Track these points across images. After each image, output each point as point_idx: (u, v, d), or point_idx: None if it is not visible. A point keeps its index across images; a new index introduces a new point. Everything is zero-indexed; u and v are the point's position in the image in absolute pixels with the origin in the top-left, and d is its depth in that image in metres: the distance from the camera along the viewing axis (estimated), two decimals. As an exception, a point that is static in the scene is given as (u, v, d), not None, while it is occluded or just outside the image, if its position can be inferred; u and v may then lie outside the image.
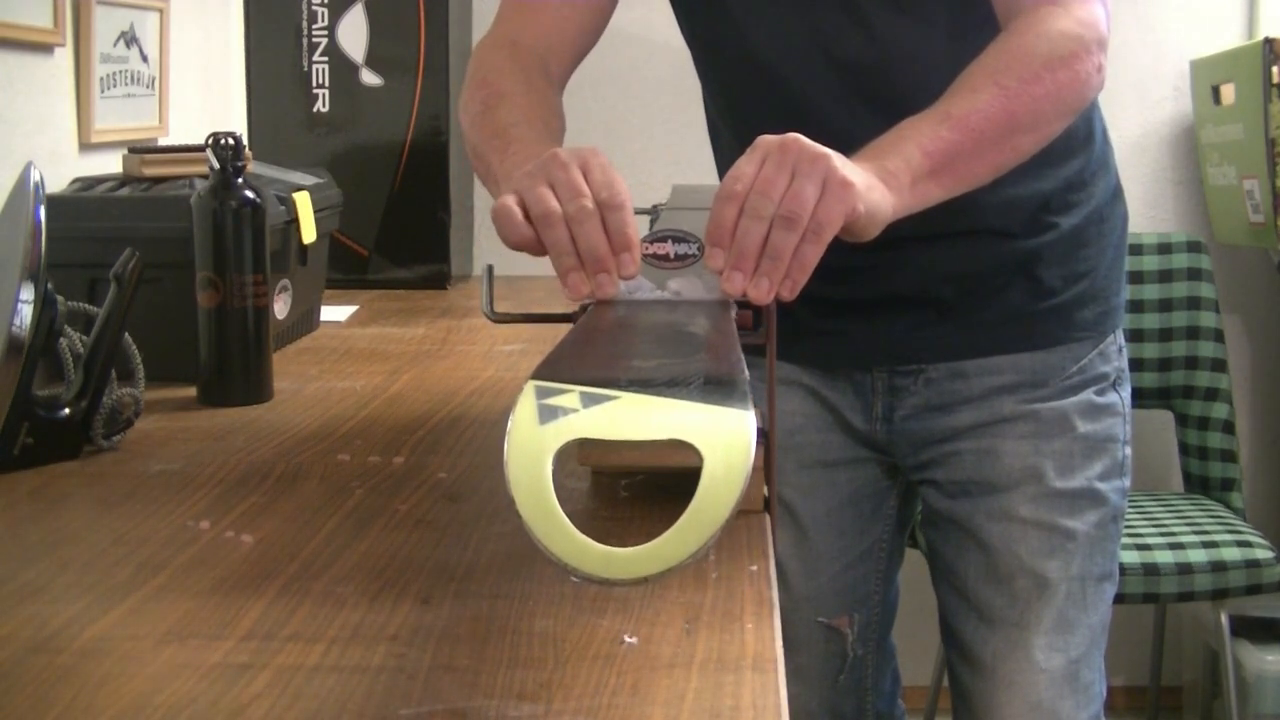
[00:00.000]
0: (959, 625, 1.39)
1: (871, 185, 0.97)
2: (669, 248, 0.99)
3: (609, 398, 0.73)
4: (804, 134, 0.98)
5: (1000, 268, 1.31)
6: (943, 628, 1.42)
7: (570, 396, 0.73)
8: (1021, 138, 1.10)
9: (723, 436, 0.68)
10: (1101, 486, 1.34)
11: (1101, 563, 1.35)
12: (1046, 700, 1.34)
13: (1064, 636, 1.34)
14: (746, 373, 0.77)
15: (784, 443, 1.38)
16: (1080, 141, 1.32)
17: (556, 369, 0.78)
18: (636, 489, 1.03)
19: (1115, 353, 1.36)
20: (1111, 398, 1.35)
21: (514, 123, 1.13)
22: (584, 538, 0.65)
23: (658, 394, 0.74)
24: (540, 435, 0.69)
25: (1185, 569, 2.21)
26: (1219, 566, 2.21)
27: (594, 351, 0.88)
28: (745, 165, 0.95)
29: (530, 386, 0.74)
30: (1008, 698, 1.35)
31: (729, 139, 1.38)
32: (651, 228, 1.28)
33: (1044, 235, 1.31)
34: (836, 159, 0.95)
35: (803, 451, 1.41)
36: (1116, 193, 1.38)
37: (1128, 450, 1.37)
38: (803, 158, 0.94)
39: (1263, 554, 2.22)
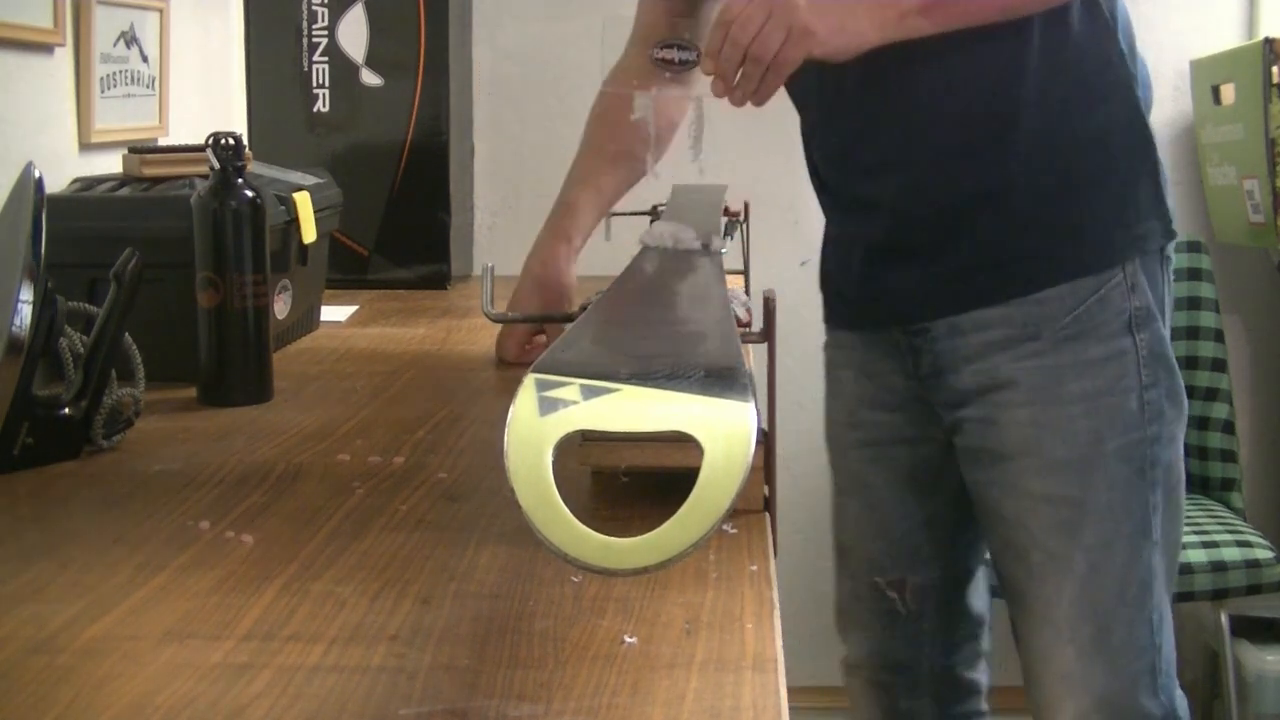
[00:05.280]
0: (1004, 596, 1.43)
1: (841, 29, 1.19)
2: (674, 54, 1.24)
3: (609, 390, 0.74)
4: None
5: (968, 197, 1.31)
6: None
7: (570, 389, 0.73)
8: None
9: (723, 428, 0.69)
10: (1111, 446, 1.30)
11: (1129, 522, 1.31)
12: (1077, 671, 1.34)
13: (1089, 606, 1.32)
14: (746, 365, 0.78)
15: (846, 420, 1.50)
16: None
17: (557, 362, 0.78)
18: (637, 478, 1.03)
19: (1123, 293, 1.29)
20: (1119, 344, 1.30)
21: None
22: (583, 527, 0.65)
23: (658, 386, 0.74)
24: (540, 426, 0.70)
25: (1185, 569, 2.20)
26: (1219, 566, 2.21)
27: (594, 345, 0.88)
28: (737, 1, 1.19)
29: (530, 379, 0.74)
30: (1042, 670, 1.38)
31: None
32: (651, 225, 1.34)
33: (1009, 162, 1.30)
34: (805, 7, 1.17)
35: (858, 431, 1.49)
36: (1128, 121, 1.32)
37: (1150, 394, 1.30)
38: (778, 3, 1.17)
39: (1263, 554, 2.22)
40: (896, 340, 1.41)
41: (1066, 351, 1.30)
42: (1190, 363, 2.53)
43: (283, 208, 1.60)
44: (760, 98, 1.20)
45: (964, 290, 1.33)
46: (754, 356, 1.32)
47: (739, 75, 1.19)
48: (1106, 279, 1.30)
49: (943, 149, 1.32)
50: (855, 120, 1.36)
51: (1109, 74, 1.31)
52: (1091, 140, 1.30)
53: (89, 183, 1.57)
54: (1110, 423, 1.30)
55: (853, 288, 1.43)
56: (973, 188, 1.31)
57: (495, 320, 1.48)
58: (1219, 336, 2.52)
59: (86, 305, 1.20)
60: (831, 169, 1.43)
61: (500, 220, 2.77)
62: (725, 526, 0.95)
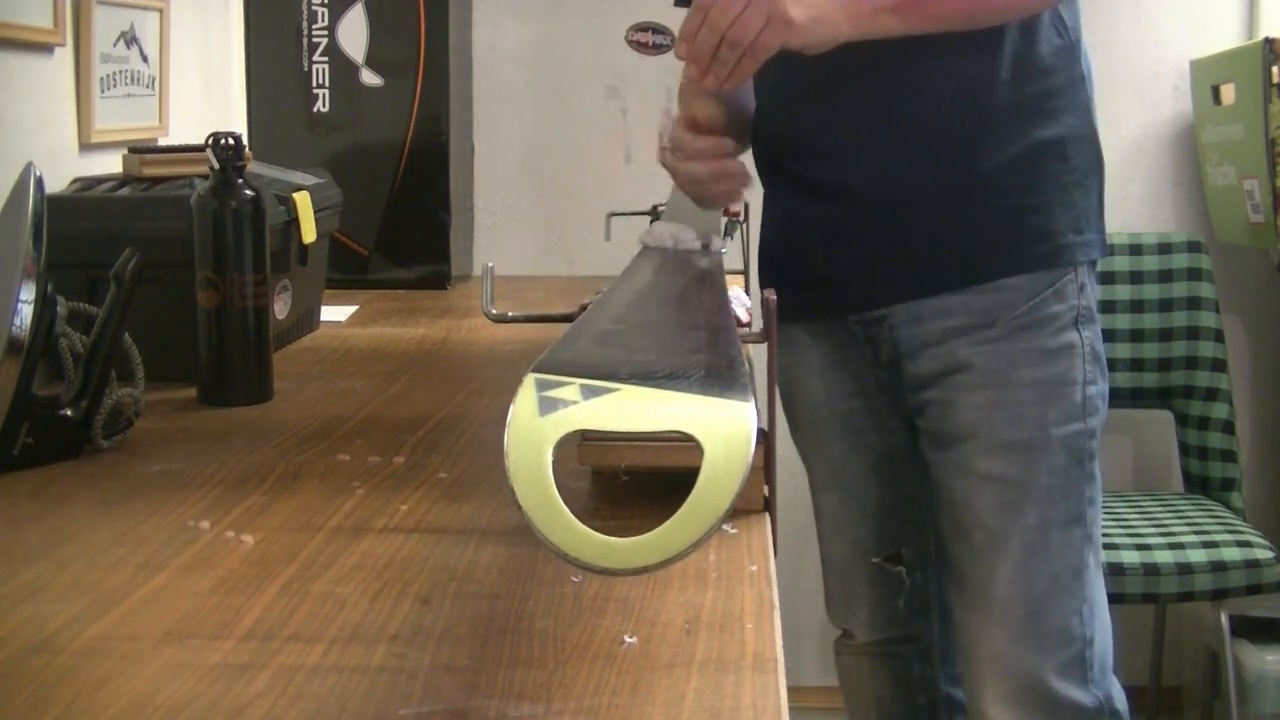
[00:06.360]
0: (942, 578, 1.46)
1: (819, 19, 1.20)
2: (649, 36, 1.30)
3: (609, 389, 0.74)
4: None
5: (936, 188, 1.33)
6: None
7: (570, 389, 0.73)
8: None
9: (723, 428, 0.69)
10: (1056, 433, 1.35)
11: (1065, 508, 1.36)
12: (1008, 652, 1.37)
13: (1023, 587, 1.36)
14: (746, 365, 0.78)
15: (812, 416, 1.50)
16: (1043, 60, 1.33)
17: (557, 362, 0.78)
18: (637, 478, 1.03)
19: (1074, 291, 1.36)
20: (1068, 338, 1.36)
21: None
22: (583, 527, 0.65)
23: (658, 386, 0.74)
24: (540, 426, 0.70)
25: (1185, 569, 2.20)
26: (1219, 566, 2.21)
27: (594, 345, 0.88)
28: None
29: (530, 379, 0.74)
30: (974, 651, 1.40)
31: None
32: (651, 225, 1.34)
33: (978, 160, 1.32)
34: None
35: (832, 424, 1.49)
36: (1087, 137, 1.38)
37: (1090, 390, 1.37)
38: None
39: (1263, 554, 2.22)
40: (853, 330, 1.43)
41: (1021, 339, 1.34)
42: (1190, 363, 2.53)
43: (283, 208, 1.60)
44: (734, 82, 1.21)
45: (926, 276, 1.35)
46: (754, 356, 1.32)
47: (714, 60, 1.20)
48: (1060, 275, 1.35)
49: (914, 142, 1.34)
50: (822, 108, 1.37)
51: (1071, 93, 1.36)
52: (1055, 148, 1.35)
53: (89, 183, 1.57)
54: (1056, 411, 1.35)
55: (806, 274, 1.43)
56: (941, 180, 1.34)
57: (495, 320, 1.48)
58: (1219, 336, 2.52)
59: (86, 305, 1.20)
60: (790, 152, 1.43)
61: (500, 220, 2.77)
62: (725, 526, 0.95)
